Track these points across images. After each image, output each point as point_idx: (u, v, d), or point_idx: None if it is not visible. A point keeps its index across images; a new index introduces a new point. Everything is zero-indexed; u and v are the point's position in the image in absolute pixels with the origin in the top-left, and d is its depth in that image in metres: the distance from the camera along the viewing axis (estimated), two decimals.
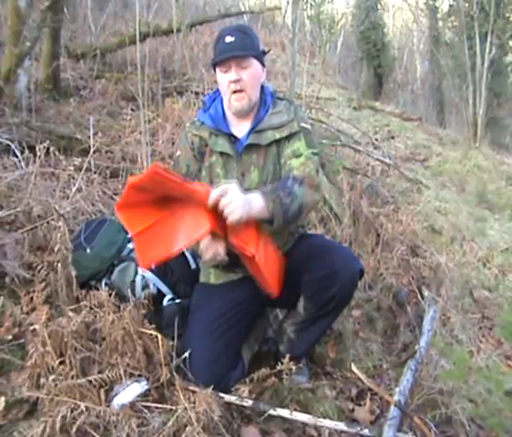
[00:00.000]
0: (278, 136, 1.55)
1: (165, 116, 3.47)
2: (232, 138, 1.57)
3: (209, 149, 1.59)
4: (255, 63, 1.52)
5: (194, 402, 1.36)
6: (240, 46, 1.48)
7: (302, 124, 1.58)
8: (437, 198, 4.05)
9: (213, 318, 1.53)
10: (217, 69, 1.53)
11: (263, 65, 1.58)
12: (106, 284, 1.71)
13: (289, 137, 1.55)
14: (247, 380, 1.53)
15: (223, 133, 1.57)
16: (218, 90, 1.63)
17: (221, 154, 1.57)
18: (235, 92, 1.51)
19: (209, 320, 1.53)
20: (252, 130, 1.56)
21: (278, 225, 1.37)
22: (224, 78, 1.51)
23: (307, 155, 1.53)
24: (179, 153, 1.67)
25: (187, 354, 1.47)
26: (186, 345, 1.51)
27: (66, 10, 4.43)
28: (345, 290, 1.53)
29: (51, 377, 1.30)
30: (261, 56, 1.56)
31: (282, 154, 1.56)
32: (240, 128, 1.59)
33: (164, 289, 1.72)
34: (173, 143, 3.08)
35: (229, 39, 1.48)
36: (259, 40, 1.59)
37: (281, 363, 1.54)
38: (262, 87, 1.61)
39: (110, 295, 1.55)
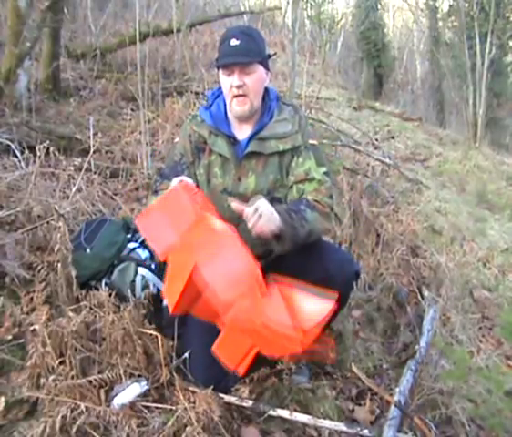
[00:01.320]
0: (281, 147, 1.52)
1: (165, 116, 3.47)
2: (232, 140, 1.56)
3: (208, 148, 1.58)
4: (259, 68, 1.49)
5: (194, 403, 1.36)
6: (245, 52, 1.44)
7: (310, 141, 1.57)
8: (437, 198, 4.05)
9: None
10: (220, 70, 1.51)
11: (268, 69, 1.55)
12: (106, 284, 1.71)
13: (293, 151, 1.53)
14: (247, 380, 1.52)
15: (223, 134, 1.56)
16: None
17: (220, 154, 1.56)
18: (237, 96, 1.49)
19: None
20: (255, 136, 1.53)
21: (283, 248, 1.41)
22: (227, 81, 1.48)
23: (320, 179, 1.51)
24: (177, 140, 1.68)
25: (186, 355, 1.47)
26: (186, 345, 1.50)
27: (66, 10, 4.44)
28: (340, 294, 1.52)
29: (51, 377, 1.30)
30: (265, 61, 1.53)
31: (291, 170, 1.53)
32: (242, 131, 1.57)
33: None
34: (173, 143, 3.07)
35: (234, 42, 1.44)
36: (265, 43, 1.56)
37: (281, 363, 1.54)
38: (267, 91, 1.59)
39: (110, 295, 1.55)
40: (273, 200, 1.55)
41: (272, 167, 1.54)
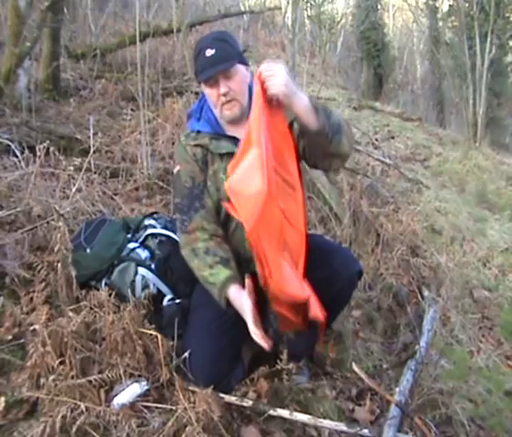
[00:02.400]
0: None
1: (165, 116, 3.47)
2: (232, 139, 1.54)
3: (210, 157, 1.55)
4: (240, 68, 1.49)
5: (194, 402, 1.36)
6: (223, 57, 1.42)
7: None
8: (437, 198, 4.05)
9: (214, 317, 1.52)
10: (202, 83, 1.48)
11: (247, 64, 1.54)
12: (106, 284, 1.71)
13: (290, 124, 1.50)
14: (247, 380, 1.53)
15: (224, 135, 1.55)
16: (202, 97, 1.59)
17: (222, 156, 1.53)
18: (226, 103, 1.47)
19: (210, 318, 1.52)
20: None
21: (323, 124, 1.33)
22: (212, 92, 1.47)
23: None
24: (178, 168, 1.58)
25: (186, 354, 1.47)
26: (187, 345, 1.50)
27: (66, 10, 4.43)
28: (344, 292, 1.53)
29: (51, 377, 1.30)
30: (243, 58, 1.53)
31: (295, 132, 1.52)
32: (237, 131, 1.54)
33: (164, 289, 1.72)
34: (173, 143, 3.07)
35: (209, 52, 1.42)
36: (237, 41, 1.55)
37: (281, 363, 1.54)
38: (249, 86, 1.56)
39: (110, 295, 1.55)
40: None
41: None
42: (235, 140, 1.53)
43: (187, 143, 1.57)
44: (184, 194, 1.55)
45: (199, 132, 1.56)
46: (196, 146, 1.55)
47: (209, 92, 1.48)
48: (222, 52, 1.43)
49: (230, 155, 1.49)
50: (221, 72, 1.43)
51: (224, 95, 1.45)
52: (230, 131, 1.55)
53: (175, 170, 1.60)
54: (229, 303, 1.42)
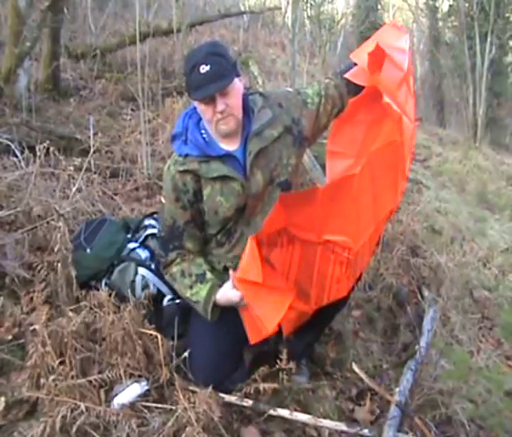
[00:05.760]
0: (276, 133, 1.48)
1: (165, 116, 3.47)
2: (223, 158, 1.46)
3: (203, 182, 1.46)
4: (236, 81, 1.40)
5: (194, 402, 1.36)
6: (220, 74, 1.34)
7: (289, 89, 1.61)
8: (437, 198, 4.05)
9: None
10: (195, 100, 1.40)
11: (239, 75, 1.46)
12: (106, 284, 1.71)
13: (288, 129, 1.51)
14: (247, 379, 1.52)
15: (213, 157, 1.45)
16: (185, 117, 1.50)
17: (215, 180, 1.44)
18: (222, 119, 1.39)
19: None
20: (249, 135, 1.46)
21: None
22: (207, 109, 1.38)
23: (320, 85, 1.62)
24: (163, 200, 1.54)
25: (186, 354, 1.47)
26: (189, 346, 1.50)
27: (66, 10, 4.43)
28: None
29: (51, 377, 1.30)
30: (237, 70, 1.45)
31: (306, 114, 1.55)
32: (232, 141, 1.48)
33: (164, 289, 1.72)
34: None
35: (204, 69, 1.32)
36: (228, 50, 1.48)
37: (281, 363, 1.54)
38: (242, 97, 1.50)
39: (110, 295, 1.55)
40: (280, 185, 1.52)
41: (272, 155, 1.49)
42: (228, 158, 1.46)
43: (176, 170, 1.46)
44: (165, 226, 1.55)
45: (186, 156, 1.45)
46: (185, 172, 1.45)
47: (203, 109, 1.40)
48: (218, 68, 1.34)
49: (222, 178, 1.44)
50: (218, 91, 1.35)
51: (221, 112, 1.38)
52: (224, 144, 1.48)
53: (162, 199, 1.59)
54: (214, 314, 1.45)
